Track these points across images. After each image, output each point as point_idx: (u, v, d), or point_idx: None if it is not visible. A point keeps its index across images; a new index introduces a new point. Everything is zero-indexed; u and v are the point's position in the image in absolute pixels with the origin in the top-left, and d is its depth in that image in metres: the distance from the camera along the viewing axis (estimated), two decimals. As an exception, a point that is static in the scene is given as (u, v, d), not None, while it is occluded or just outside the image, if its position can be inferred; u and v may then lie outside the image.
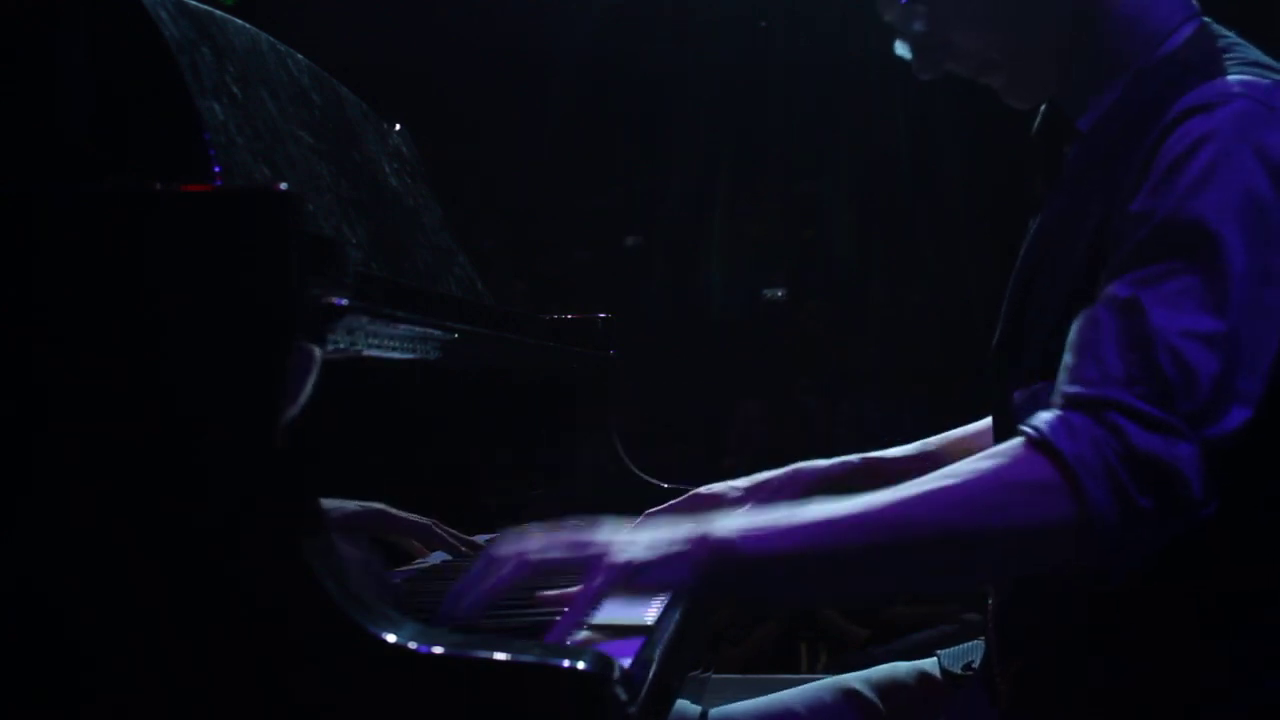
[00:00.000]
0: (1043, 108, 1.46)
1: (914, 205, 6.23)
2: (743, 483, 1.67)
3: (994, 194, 5.86)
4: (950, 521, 1.13)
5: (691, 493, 1.66)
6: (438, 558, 1.57)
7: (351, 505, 1.41)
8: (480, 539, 1.63)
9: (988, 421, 1.70)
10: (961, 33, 1.38)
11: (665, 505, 1.64)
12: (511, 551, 1.13)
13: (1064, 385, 1.17)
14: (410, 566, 1.54)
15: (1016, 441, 1.15)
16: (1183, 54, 1.32)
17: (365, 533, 1.45)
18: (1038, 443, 1.13)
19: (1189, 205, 1.17)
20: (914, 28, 1.40)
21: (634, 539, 1.15)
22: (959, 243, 6.07)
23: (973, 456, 1.17)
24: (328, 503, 1.32)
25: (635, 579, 1.12)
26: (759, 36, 6.19)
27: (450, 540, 1.55)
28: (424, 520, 1.52)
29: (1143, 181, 1.22)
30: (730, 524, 1.15)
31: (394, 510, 1.47)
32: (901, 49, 1.43)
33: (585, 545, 1.15)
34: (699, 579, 1.12)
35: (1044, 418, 1.14)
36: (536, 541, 1.15)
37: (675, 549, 1.13)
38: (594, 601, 1.13)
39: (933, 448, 1.72)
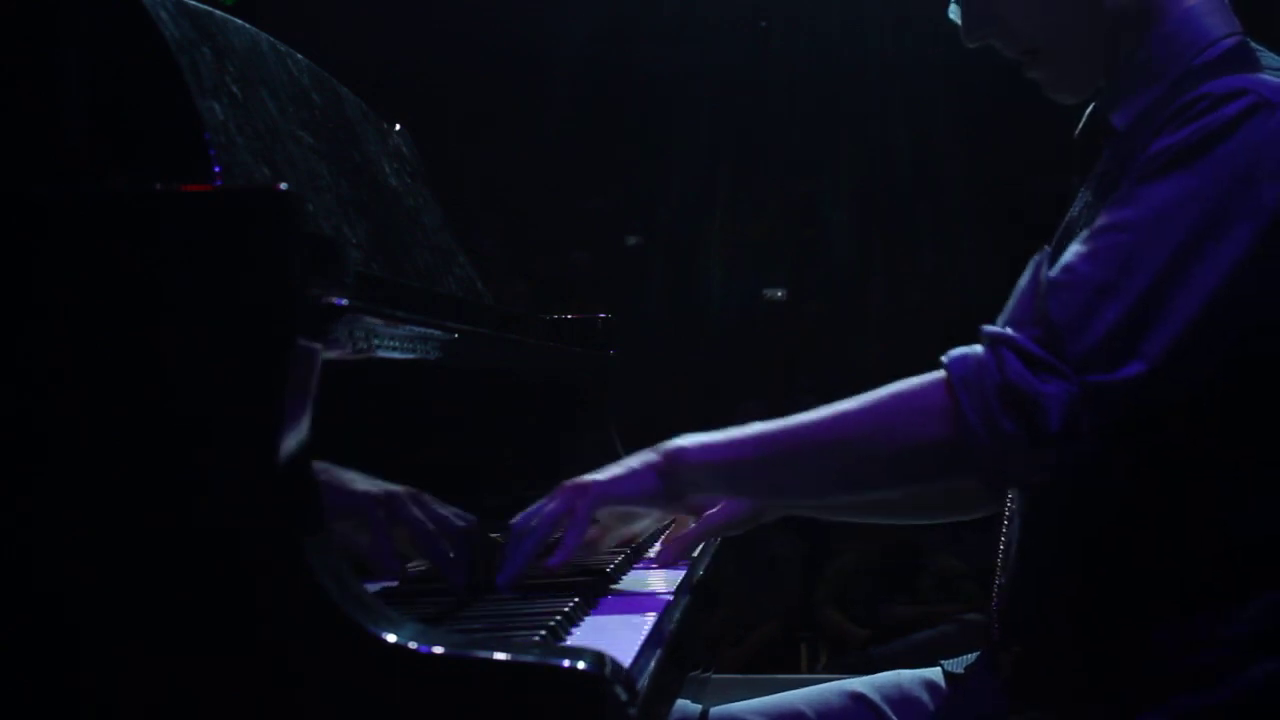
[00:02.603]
0: (1088, 110, 1.48)
1: (914, 205, 6.23)
2: (616, 466, 1.69)
3: (994, 193, 5.87)
4: (849, 434, 1.32)
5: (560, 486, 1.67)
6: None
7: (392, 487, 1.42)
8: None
9: None
10: (1010, 9, 1.43)
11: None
12: (525, 521, 1.35)
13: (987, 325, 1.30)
14: (411, 566, 1.54)
15: (934, 372, 1.30)
16: (1220, 63, 1.35)
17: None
18: (941, 365, 1.28)
19: (1160, 176, 1.25)
20: None
21: (609, 466, 1.38)
22: (959, 243, 6.07)
23: (899, 383, 1.32)
24: (366, 482, 1.35)
25: (609, 490, 1.35)
26: (759, 36, 6.19)
27: (448, 562, 1.52)
28: (446, 528, 1.50)
29: (1145, 149, 1.28)
30: (684, 439, 1.38)
31: (414, 508, 1.47)
32: (954, 12, 1.46)
33: (568, 486, 1.36)
34: (661, 481, 1.36)
35: (957, 349, 1.29)
36: (537, 506, 1.36)
37: (639, 463, 1.37)
38: (583, 523, 1.34)
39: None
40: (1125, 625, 1.33)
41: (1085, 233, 1.29)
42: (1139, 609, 1.32)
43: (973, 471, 1.26)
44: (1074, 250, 1.28)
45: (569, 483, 1.37)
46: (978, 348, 1.27)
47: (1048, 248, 1.33)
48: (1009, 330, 1.26)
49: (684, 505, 1.40)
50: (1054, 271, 1.27)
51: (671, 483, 1.36)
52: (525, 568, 1.32)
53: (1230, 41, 1.37)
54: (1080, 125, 1.50)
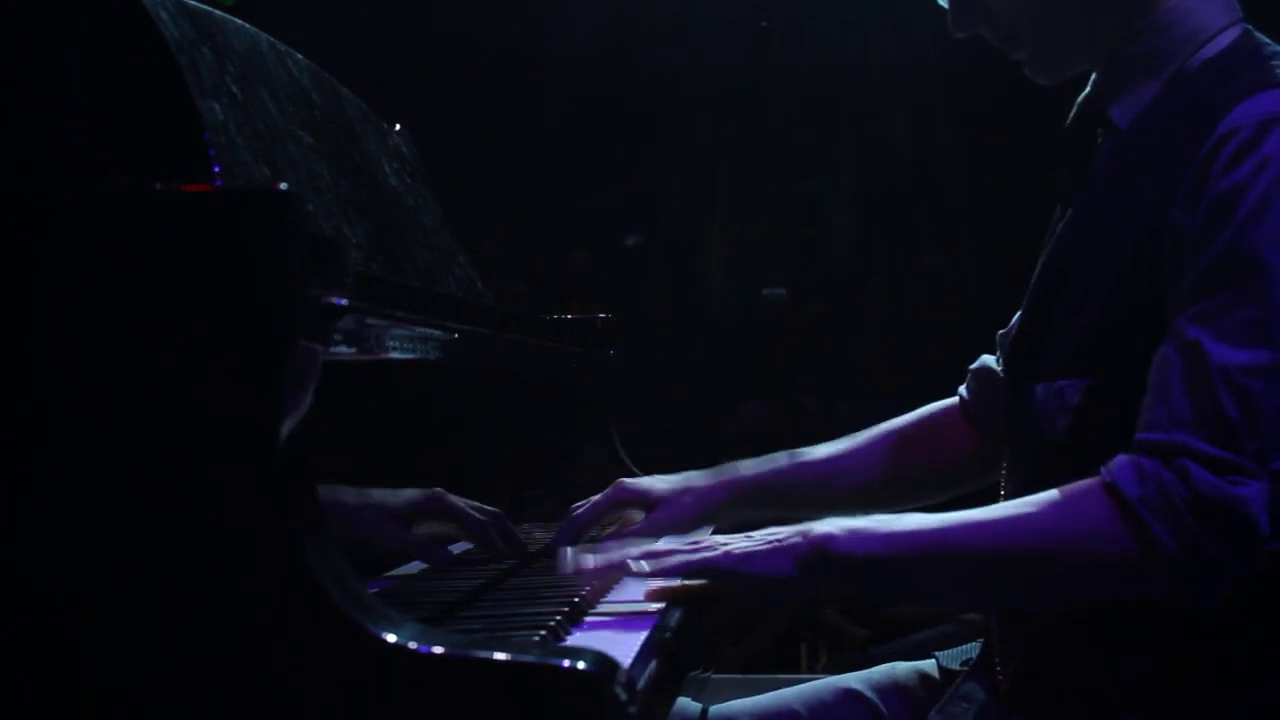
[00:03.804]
0: (1078, 100, 1.47)
1: (914, 205, 6.22)
2: (668, 479, 1.66)
3: (994, 193, 5.86)
4: (1027, 548, 1.23)
5: (616, 482, 1.64)
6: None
7: (409, 492, 1.43)
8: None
9: (923, 411, 1.72)
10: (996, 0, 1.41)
11: (590, 500, 1.63)
12: (654, 558, 1.28)
13: (1138, 429, 1.22)
14: (412, 565, 1.54)
15: (1091, 482, 1.22)
16: (1226, 60, 1.33)
17: (427, 521, 1.48)
18: (1107, 486, 1.20)
19: (1247, 236, 1.20)
20: None
21: (745, 536, 1.30)
22: (959, 242, 6.07)
23: (1056, 491, 1.24)
24: (381, 492, 1.36)
25: (741, 566, 1.26)
26: (759, 36, 6.19)
27: (499, 546, 1.53)
28: (483, 519, 1.51)
29: (1199, 196, 1.24)
30: (831, 525, 1.27)
31: (455, 499, 1.49)
32: (944, 1, 1.46)
33: (705, 545, 1.30)
34: (799, 570, 1.25)
35: (1118, 462, 1.21)
36: (669, 549, 1.31)
37: (782, 542, 1.26)
38: (691, 568, 1.27)
39: (863, 443, 1.73)
40: (1127, 647, 1.31)
41: (1195, 308, 1.22)
42: (1143, 630, 1.30)
43: (1169, 587, 1.21)
44: (1204, 334, 1.20)
45: (706, 546, 1.30)
46: (1136, 457, 1.20)
47: (1179, 333, 1.22)
48: (1180, 435, 1.18)
49: (812, 594, 1.35)
50: (1204, 363, 1.20)
51: (811, 572, 1.26)
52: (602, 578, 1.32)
53: (1232, 34, 1.35)
54: (1072, 115, 1.48)
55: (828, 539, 1.26)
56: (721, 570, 1.26)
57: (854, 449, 1.71)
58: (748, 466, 1.68)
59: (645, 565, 1.28)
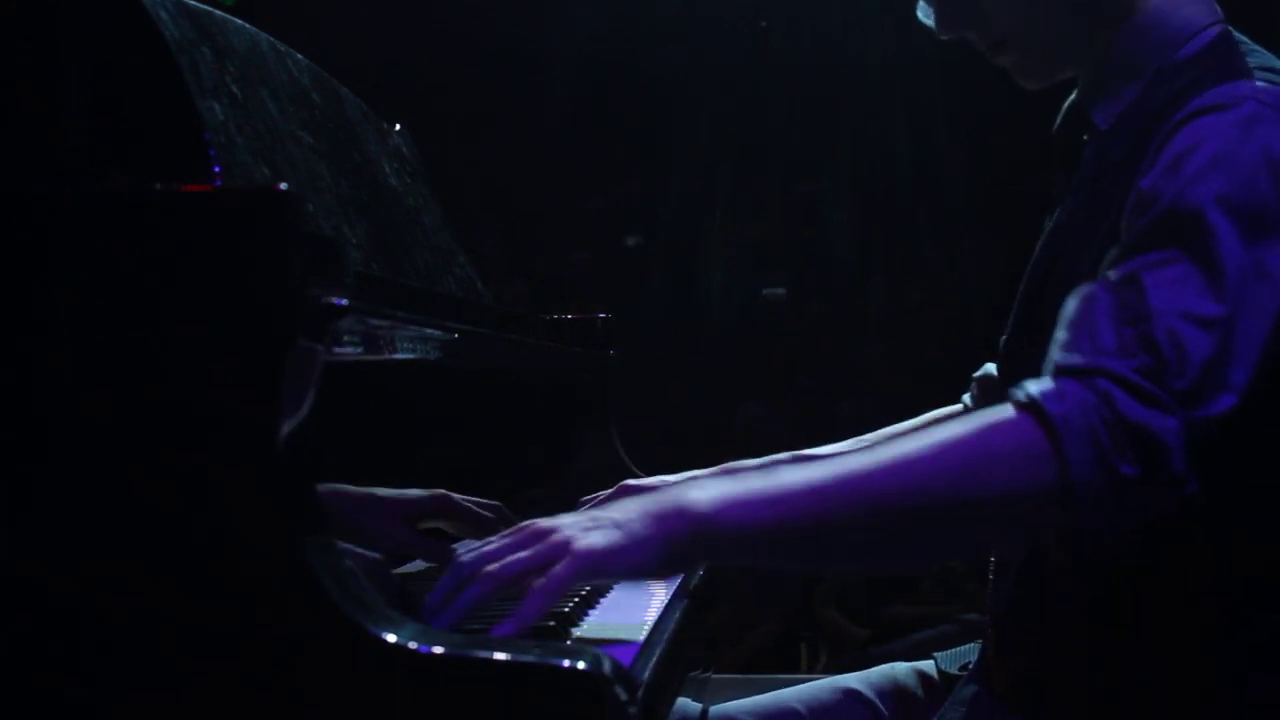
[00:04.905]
0: (1065, 104, 1.47)
1: (914, 205, 6.23)
2: (672, 479, 1.65)
3: (994, 193, 5.86)
4: (927, 486, 1.10)
5: (620, 485, 1.62)
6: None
7: (415, 491, 1.43)
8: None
9: (927, 418, 1.72)
10: (990, 1, 1.40)
11: (594, 497, 1.61)
12: (478, 564, 1.07)
13: (1056, 356, 1.16)
14: (412, 564, 1.54)
15: (1003, 406, 1.14)
16: (1202, 58, 1.33)
17: (432, 521, 1.47)
18: (1025, 405, 1.12)
19: (1189, 193, 1.18)
20: None
21: (599, 518, 1.08)
22: (959, 242, 6.07)
23: (957, 419, 1.16)
24: (387, 491, 1.35)
25: (605, 565, 1.06)
26: (759, 36, 6.19)
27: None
28: (490, 515, 1.51)
29: (1148, 172, 1.23)
30: (704, 494, 1.09)
31: (459, 496, 1.48)
32: (923, 11, 1.46)
33: (547, 535, 1.08)
34: (667, 555, 1.07)
35: (1034, 382, 1.14)
36: (499, 549, 1.08)
37: (646, 530, 1.07)
38: (558, 591, 1.04)
39: (866, 443, 1.71)
40: (1125, 646, 1.31)
41: (1133, 261, 1.18)
42: (1141, 629, 1.30)
43: (1076, 519, 1.11)
44: (1143, 277, 1.17)
45: (543, 528, 1.09)
46: (1050, 379, 1.14)
47: (1109, 276, 1.20)
48: (1105, 360, 1.13)
49: (689, 569, 1.19)
50: (1141, 298, 1.15)
51: (685, 553, 1.08)
52: (462, 619, 1.06)
53: (1211, 33, 1.35)
54: (1059, 120, 1.48)
55: (702, 518, 1.07)
56: (580, 574, 1.05)
57: (858, 450, 1.71)
58: (750, 464, 1.67)
59: (490, 569, 1.07)
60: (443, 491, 1.47)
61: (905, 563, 1.25)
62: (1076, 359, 1.14)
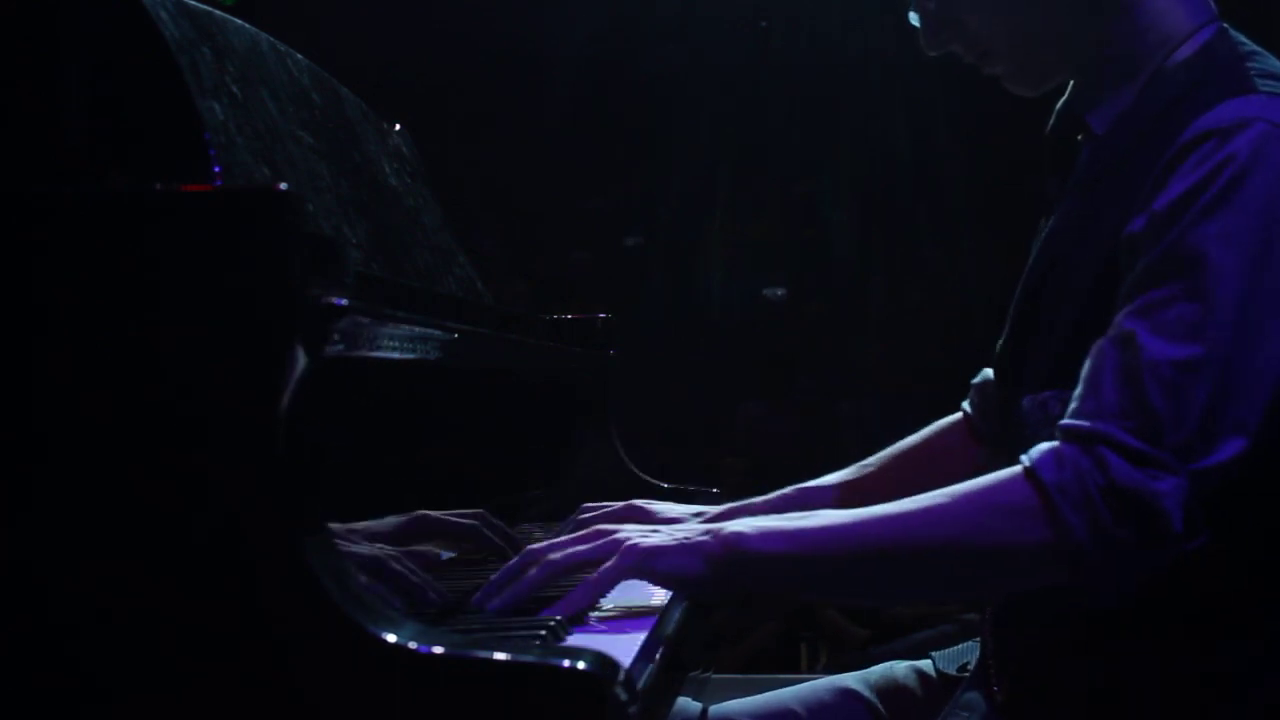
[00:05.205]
0: (1057, 106, 1.46)
1: (914, 205, 6.23)
2: (680, 507, 1.65)
3: (994, 193, 5.87)
4: (936, 537, 1.20)
5: (629, 503, 1.63)
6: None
7: (393, 519, 1.42)
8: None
9: (929, 430, 1.72)
10: (970, 15, 1.39)
11: (601, 507, 1.62)
12: (543, 552, 1.25)
13: (1064, 417, 1.21)
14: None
15: (1013, 469, 1.20)
16: (1199, 61, 1.31)
17: (415, 543, 1.46)
18: (1027, 470, 1.18)
19: (1193, 232, 1.19)
20: (926, 4, 1.42)
21: (653, 529, 1.27)
22: (959, 243, 6.08)
23: (974, 480, 1.23)
24: (371, 524, 1.34)
25: (650, 562, 1.22)
26: (759, 36, 6.20)
27: (498, 543, 1.53)
28: (471, 521, 1.51)
29: (1154, 198, 1.22)
30: (742, 524, 1.24)
31: (436, 513, 1.48)
32: (914, 18, 1.45)
33: (608, 534, 1.25)
34: (710, 569, 1.22)
35: (1039, 448, 1.19)
36: (564, 541, 1.26)
37: (692, 540, 1.23)
38: (610, 583, 1.21)
39: (872, 468, 1.73)
40: (1122, 652, 1.30)
41: (1135, 304, 1.20)
42: (1139, 636, 1.29)
43: (1076, 578, 1.18)
44: (1140, 328, 1.19)
45: (606, 529, 1.27)
46: (1058, 445, 1.18)
47: (1117, 323, 1.21)
48: (1103, 425, 1.16)
49: (716, 591, 1.29)
50: (1136, 356, 1.18)
51: (721, 571, 1.22)
52: (524, 598, 1.23)
53: (1206, 33, 1.33)
54: (1051, 123, 1.47)
55: (738, 538, 1.22)
56: (628, 569, 1.22)
57: (862, 476, 1.71)
58: (756, 502, 1.67)
59: (553, 556, 1.24)
60: (420, 513, 1.46)
61: (913, 600, 1.37)
62: (1079, 423, 1.18)
